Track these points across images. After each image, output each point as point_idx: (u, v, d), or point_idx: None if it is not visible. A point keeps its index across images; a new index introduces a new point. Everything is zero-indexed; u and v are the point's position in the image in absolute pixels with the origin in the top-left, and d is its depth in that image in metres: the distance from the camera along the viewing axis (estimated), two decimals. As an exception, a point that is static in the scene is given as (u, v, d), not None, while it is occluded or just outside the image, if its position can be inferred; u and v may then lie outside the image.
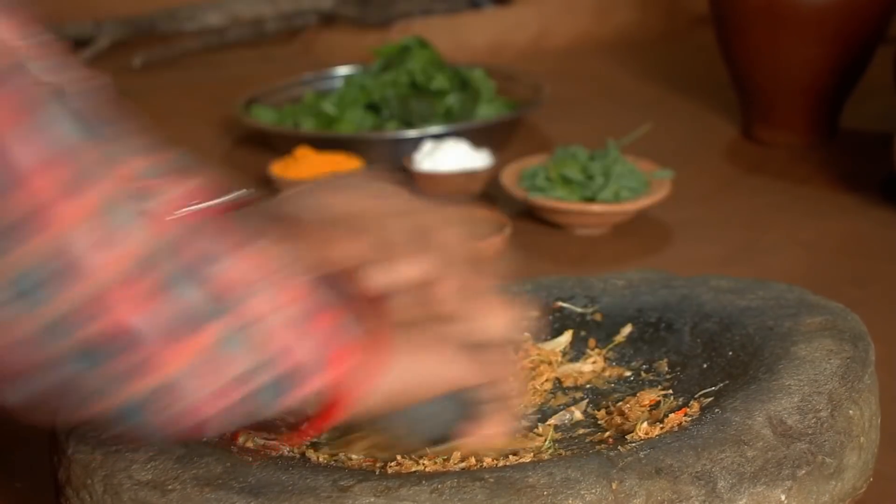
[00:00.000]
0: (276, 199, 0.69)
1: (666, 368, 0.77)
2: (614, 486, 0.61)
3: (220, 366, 0.57)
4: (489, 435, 0.68)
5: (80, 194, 0.52)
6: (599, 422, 0.74)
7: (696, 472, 0.62)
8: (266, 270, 0.58)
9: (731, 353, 0.74)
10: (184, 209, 0.56)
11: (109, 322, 0.53)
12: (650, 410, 0.72)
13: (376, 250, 0.66)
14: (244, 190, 0.66)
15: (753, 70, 1.43)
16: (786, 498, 0.63)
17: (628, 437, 0.68)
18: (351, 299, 0.64)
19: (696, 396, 0.71)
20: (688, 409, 0.69)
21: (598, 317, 0.82)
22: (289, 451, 0.69)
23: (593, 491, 0.61)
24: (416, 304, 0.66)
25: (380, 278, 0.66)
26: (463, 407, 0.68)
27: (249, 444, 0.68)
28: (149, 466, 0.64)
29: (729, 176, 1.39)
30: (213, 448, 0.66)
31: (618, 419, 0.72)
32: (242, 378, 0.58)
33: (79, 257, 0.52)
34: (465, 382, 0.67)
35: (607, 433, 0.71)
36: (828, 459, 0.65)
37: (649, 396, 0.73)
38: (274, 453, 0.67)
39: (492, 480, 0.61)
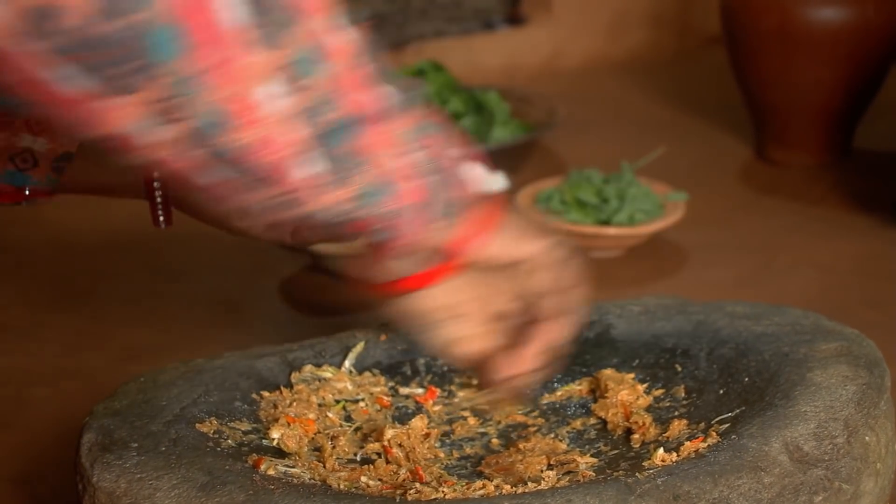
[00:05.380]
0: None
1: (683, 394, 0.78)
2: (633, 513, 0.61)
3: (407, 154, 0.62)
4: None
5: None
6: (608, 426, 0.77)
7: (714, 498, 0.63)
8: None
9: (747, 379, 0.75)
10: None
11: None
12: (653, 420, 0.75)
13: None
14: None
15: (766, 90, 1.44)
16: (803, 524, 0.63)
17: (646, 463, 0.68)
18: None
19: (712, 422, 0.72)
20: (704, 437, 0.70)
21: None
22: (310, 479, 0.70)
23: (612, 518, 0.61)
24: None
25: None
26: None
27: (271, 472, 0.69)
28: (173, 494, 0.65)
29: (743, 197, 1.39)
30: (236, 476, 0.66)
31: (620, 415, 0.76)
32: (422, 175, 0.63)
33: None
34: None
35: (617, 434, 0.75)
36: (844, 486, 0.66)
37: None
38: (295, 481, 0.68)
39: (511, 508, 0.62)
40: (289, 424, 0.75)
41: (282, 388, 0.79)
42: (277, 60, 0.55)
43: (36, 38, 0.50)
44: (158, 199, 0.82)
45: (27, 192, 0.81)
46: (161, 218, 0.82)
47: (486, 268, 0.71)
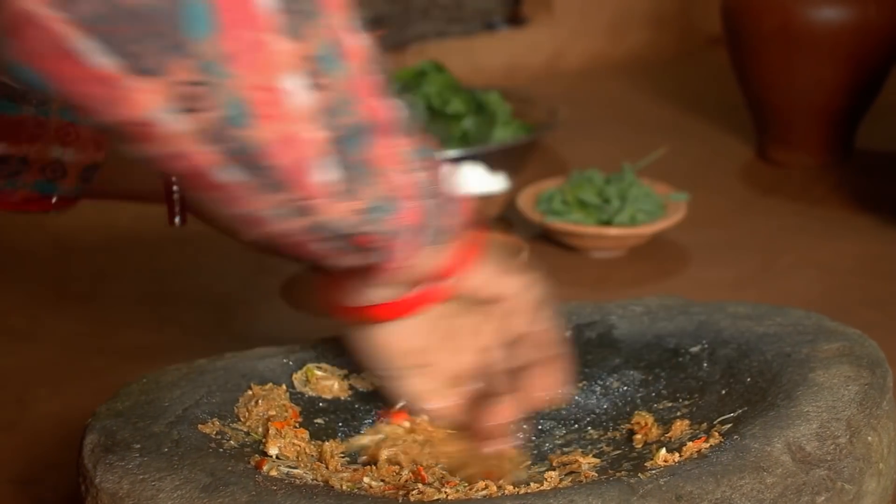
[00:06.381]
0: None
1: (685, 395, 0.78)
2: (635, 513, 0.61)
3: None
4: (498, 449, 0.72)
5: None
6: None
7: (716, 498, 0.63)
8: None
9: (749, 379, 0.75)
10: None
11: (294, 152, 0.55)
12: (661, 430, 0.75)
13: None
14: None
15: (768, 91, 1.44)
16: (805, 524, 0.63)
17: (648, 464, 0.68)
18: None
19: (714, 423, 0.72)
20: (707, 437, 0.70)
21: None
22: (312, 480, 0.70)
23: (614, 518, 0.61)
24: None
25: None
26: None
27: (274, 473, 0.69)
28: (175, 495, 0.65)
29: (744, 198, 1.39)
30: (239, 477, 0.66)
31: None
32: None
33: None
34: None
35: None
36: (847, 486, 0.66)
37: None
38: (297, 482, 0.68)
39: (514, 508, 0.62)
40: (279, 431, 0.74)
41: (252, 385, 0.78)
42: (302, 51, 0.52)
43: (61, 5, 0.47)
44: (176, 201, 0.82)
45: (54, 201, 0.82)
46: (177, 218, 0.82)
47: (465, 303, 0.69)
